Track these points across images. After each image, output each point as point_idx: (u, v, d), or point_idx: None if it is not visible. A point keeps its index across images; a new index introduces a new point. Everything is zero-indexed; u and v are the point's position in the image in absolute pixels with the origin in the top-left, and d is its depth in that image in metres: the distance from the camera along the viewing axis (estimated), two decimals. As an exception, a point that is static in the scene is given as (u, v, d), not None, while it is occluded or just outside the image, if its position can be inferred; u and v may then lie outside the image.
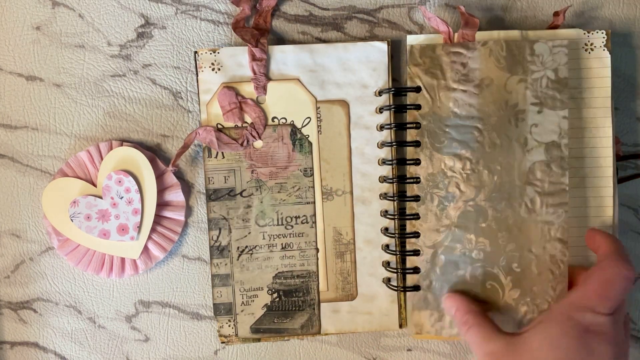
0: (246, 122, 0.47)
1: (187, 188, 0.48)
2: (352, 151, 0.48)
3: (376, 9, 0.48)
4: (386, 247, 0.47)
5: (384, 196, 0.47)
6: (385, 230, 0.47)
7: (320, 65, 0.47)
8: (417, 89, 0.45)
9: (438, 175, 0.45)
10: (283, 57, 0.47)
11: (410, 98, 0.46)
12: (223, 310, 0.48)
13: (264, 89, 0.47)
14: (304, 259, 0.48)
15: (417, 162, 0.45)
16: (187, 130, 0.48)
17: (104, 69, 0.48)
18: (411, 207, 0.46)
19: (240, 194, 0.47)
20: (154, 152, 0.48)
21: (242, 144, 0.47)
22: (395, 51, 0.48)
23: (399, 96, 0.47)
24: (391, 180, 0.47)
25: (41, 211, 0.48)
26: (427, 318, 0.45)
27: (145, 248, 0.47)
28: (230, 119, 0.47)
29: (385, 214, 0.47)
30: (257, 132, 0.47)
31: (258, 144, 0.47)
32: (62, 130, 0.48)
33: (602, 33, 0.46)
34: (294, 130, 0.47)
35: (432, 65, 0.45)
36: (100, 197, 0.46)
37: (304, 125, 0.47)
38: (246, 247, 0.48)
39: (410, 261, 0.46)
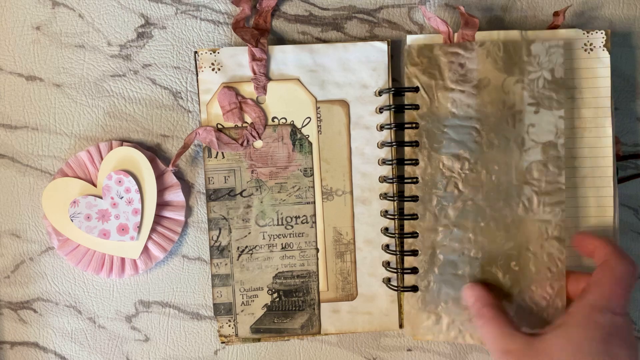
0: (246, 122, 0.47)
1: (187, 188, 0.48)
2: (352, 151, 0.48)
3: (376, 9, 0.49)
4: (386, 247, 0.47)
5: (384, 196, 0.47)
6: (385, 230, 0.47)
7: (320, 65, 0.47)
8: (416, 89, 0.45)
9: (436, 176, 0.45)
10: (283, 57, 0.47)
11: (409, 98, 0.46)
12: (223, 310, 0.48)
13: (264, 89, 0.47)
14: (304, 259, 0.48)
15: (415, 162, 0.45)
16: (187, 130, 0.48)
17: (104, 69, 0.48)
18: (410, 207, 0.46)
19: (240, 194, 0.47)
20: (154, 152, 0.48)
21: (242, 144, 0.47)
22: (395, 51, 0.48)
23: (399, 96, 0.47)
24: (391, 180, 0.47)
25: (41, 211, 0.48)
26: (424, 320, 0.45)
27: (145, 248, 0.47)
28: (230, 119, 0.47)
29: (385, 214, 0.47)
30: (257, 132, 0.47)
31: (258, 144, 0.47)
32: (62, 130, 0.48)
33: (602, 33, 0.46)
34: (294, 130, 0.47)
35: (430, 66, 0.45)
36: (100, 197, 0.46)
37: (304, 125, 0.47)
38: (246, 247, 0.48)
39: (409, 261, 0.46)
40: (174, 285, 0.49)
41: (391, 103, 0.47)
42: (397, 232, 0.47)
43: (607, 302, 0.38)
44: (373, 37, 0.49)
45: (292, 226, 0.48)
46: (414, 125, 0.45)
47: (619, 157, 0.49)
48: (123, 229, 0.46)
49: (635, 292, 0.50)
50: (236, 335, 0.48)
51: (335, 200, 0.48)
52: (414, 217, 0.46)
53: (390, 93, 0.47)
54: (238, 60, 0.47)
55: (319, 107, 0.47)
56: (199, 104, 0.47)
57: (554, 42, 0.44)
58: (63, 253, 0.47)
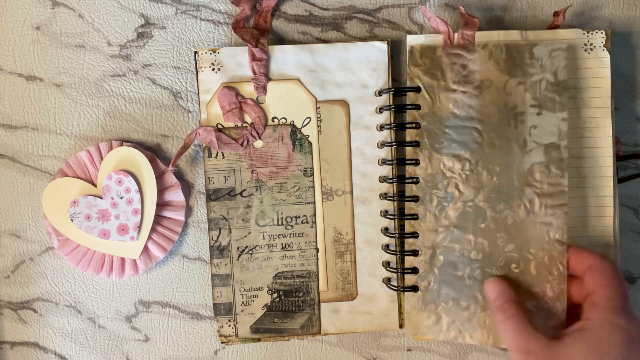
0: (246, 122, 0.47)
1: (187, 188, 0.48)
2: (352, 151, 0.48)
3: (376, 9, 0.49)
4: (386, 247, 0.47)
5: (384, 196, 0.47)
6: (386, 230, 0.47)
7: (320, 65, 0.47)
8: (417, 89, 0.45)
9: (437, 176, 0.45)
10: (283, 57, 0.47)
11: (410, 98, 0.46)
12: (223, 310, 0.48)
13: (264, 89, 0.47)
14: (304, 259, 0.48)
15: (416, 162, 0.45)
16: (187, 130, 0.48)
17: (104, 69, 0.48)
18: (410, 207, 0.46)
19: (240, 194, 0.47)
20: (154, 152, 0.48)
21: (242, 144, 0.47)
22: (395, 51, 0.48)
23: (399, 96, 0.47)
24: (391, 180, 0.47)
25: (41, 211, 0.48)
26: (425, 320, 0.45)
27: (145, 248, 0.47)
28: (230, 119, 0.47)
29: (385, 214, 0.47)
30: (257, 132, 0.47)
31: (258, 144, 0.47)
32: (62, 130, 0.48)
33: (602, 33, 0.46)
34: (294, 130, 0.47)
35: (432, 66, 0.45)
36: (100, 197, 0.46)
37: (304, 125, 0.47)
38: (246, 247, 0.48)
39: (409, 261, 0.46)
40: (174, 285, 0.49)
41: (391, 103, 0.47)
42: (397, 232, 0.47)
43: (620, 303, 0.38)
44: (373, 37, 0.49)
45: (292, 226, 0.48)
46: (415, 125, 0.45)
47: (619, 157, 0.49)
48: (123, 229, 0.46)
49: (635, 292, 0.50)
50: (236, 335, 0.48)
51: (335, 200, 0.48)
52: (414, 217, 0.46)
53: (390, 93, 0.47)
54: (238, 60, 0.47)
55: (319, 107, 0.47)
56: (199, 104, 0.47)
57: (556, 46, 0.44)
58: (63, 253, 0.47)
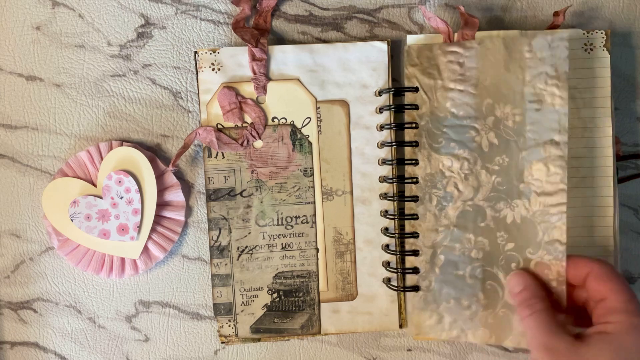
0: (246, 122, 0.47)
1: (187, 188, 0.48)
2: (352, 151, 0.48)
3: (376, 9, 0.49)
4: (386, 247, 0.47)
5: (384, 196, 0.47)
6: (386, 230, 0.47)
7: (320, 65, 0.47)
8: (415, 89, 0.45)
9: (436, 176, 0.45)
10: (283, 57, 0.47)
11: (408, 98, 0.46)
12: (223, 310, 0.48)
13: (264, 89, 0.47)
14: (304, 259, 0.48)
15: (415, 162, 0.45)
16: (187, 130, 0.48)
17: (104, 69, 0.48)
18: (410, 207, 0.46)
19: (240, 194, 0.47)
20: (154, 152, 0.48)
21: (242, 144, 0.47)
22: (395, 51, 0.48)
23: (399, 96, 0.47)
24: (391, 180, 0.47)
25: (41, 211, 0.48)
26: (427, 319, 0.45)
27: (145, 248, 0.47)
28: (230, 119, 0.47)
29: (385, 214, 0.47)
30: (257, 132, 0.47)
31: (258, 144, 0.47)
32: (62, 130, 0.48)
33: (602, 33, 0.46)
34: (294, 130, 0.47)
35: (429, 65, 0.45)
36: (100, 197, 0.46)
37: (304, 125, 0.47)
38: (246, 247, 0.48)
39: (410, 261, 0.46)
40: (174, 285, 0.49)
41: (391, 103, 0.47)
42: (397, 232, 0.47)
43: (636, 306, 0.38)
44: (373, 37, 0.49)
45: (292, 226, 0.48)
46: (413, 125, 0.45)
47: (619, 157, 0.49)
48: (123, 229, 0.46)
49: (635, 292, 0.50)
50: (236, 335, 0.48)
51: (335, 200, 0.48)
52: (414, 217, 0.46)
53: (390, 93, 0.47)
54: (238, 60, 0.47)
55: (319, 107, 0.47)
56: (199, 104, 0.47)
57: (557, 36, 0.43)
58: (63, 253, 0.47)
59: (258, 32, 0.47)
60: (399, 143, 0.46)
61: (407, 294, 0.46)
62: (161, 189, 0.47)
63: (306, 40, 0.48)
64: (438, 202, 0.45)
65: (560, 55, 0.43)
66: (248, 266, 0.48)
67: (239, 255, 0.48)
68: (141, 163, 0.46)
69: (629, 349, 0.37)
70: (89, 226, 0.46)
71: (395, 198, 0.47)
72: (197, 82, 0.47)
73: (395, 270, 0.47)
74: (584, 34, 0.47)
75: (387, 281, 0.48)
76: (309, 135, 0.47)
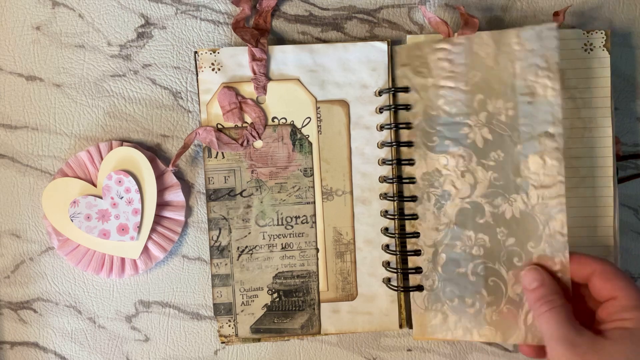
0: (246, 122, 0.47)
1: (187, 188, 0.48)
2: (352, 151, 0.48)
3: (376, 9, 0.49)
4: (386, 247, 0.47)
5: (384, 196, 0.47)
6: (385, 230, 0.47)
7: (320, 65, 0.47)
8: (406, 89, 0.45)
9: (433, 174, 0.45)
10: (283, 57, 0.47)
11: (402, 98, 0.46)
12: (223, 310, 0.48)
13: (264, 89, 0.47)
14: (304, 259, 0.48)
15: (410, 162, 0.45)
16: (187, 130, 0.48)
17: (104, 69, 0.48)
18: (409, 207, 0.46)
19: (240, 194, 0.47)
20: (154, 152, 0.48)
21: (242, 144, 0.47)
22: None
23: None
24: (391, 180, 0.47)
25: (41, 211, 0.48)
26: (432, 319, 0.45)
27: (145, 248, 0.47)
28: (230, 119, 0.47)
29: (385, 214, 0.47)
30: (257, 132, 0.47)
31: (258, 144, 0.47)
32: (62, 130, 0.48)
33: (602, 33, 0.46)
34: (294, 130, 0.47)
35: (419, 64, 0.45)
36: (100, 197, 0.46)
37: (304, 125, 0.47)
38: (246, 247, 0.48)
39: (412, 261, 0.46)
40: (174, 285, 0.49)
41: (391, 103, 0.47)
42: (397, 232, 0.47)
43: None
44: (373, 37, 0.49)
45: (292, 226, 0.48)
46: (407, 125, 0.45)
47: (619, 157, 0.49)
48: (123, 229, 0.46)
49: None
50: (236, 335, 0.48)
51: (335, 200, 0.48)
52: (413, 217, 0.46)
53: (390, 93, 0.47)
54: (238, 60, 0.47)
55: (319, 107, 0.47)
56: (199, 104, 0.47)
57: (546, 26, 0.42)
58: (63, 253, 0.47)
59: (258, 32, 0.47)
60: (399, 143, 0.46)
61: (411, 294, 0.46)
62: (161, 189, 0.47)
63: (306, 40, 0.48)
64: (436, 201, 0.45)
65: (549, 46, 0.42)
66: (248, 266, 0.48)
67: (239, 255, 0.48)
68: (141, 163, 0.46)
69: None
70: (89, 226, 0.46)
71: (395, 198, 0.47)
72: (197, 82, 0.47)
73: (395, 270, 0.47)
74: (584, 34, 0.47)
75: (387, 281, 0.48)
76: (309, 135, 0.47)
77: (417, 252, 0.46)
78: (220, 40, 0.48)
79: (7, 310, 0.48)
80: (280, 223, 0.48)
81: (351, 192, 0.48)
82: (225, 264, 0.48)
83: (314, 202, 0.48)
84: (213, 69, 0.47)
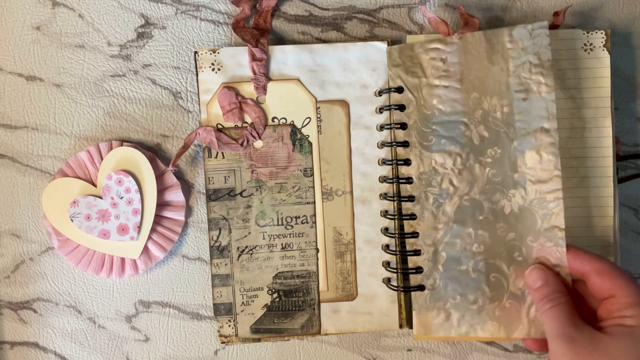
0: (246, 122, 0.47)
1: (187, 188, 0.48)
2: (352, 151, 0.48)
3: (376, 9, 0.49)
4: (386, 247, 0.47)
5: (384, 196, 0.47)
6: (385, 230, 0.47)
7: (320, 65, 0.47)
8: (399, 90, 0.45)
9: (430, 174, 0.45)
10: (283, 57, 0.47)
11: (395, 99, 0.46)
12: (223, 310, 0.48)
13: (264, 89, 0.47)
14: (304, 259, 0.48)
15: (406, 162, 0.45)
16: (187, 130, 0.48)
17: (104, 69, 0.48)
18: (407, 207, 0.46)
19: (240, 194, 0.47)
20: (154, 152, 0.48)
21: (242, 144, 0.47)
22: (395, 51, 0.48)
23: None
24: (391, 180, 0.47)
25: (41, 211, 0.48)
26: (435, 318, 0.45)
27: (145, 248, 0.47)
28: (230, 119, 0.47)
29: (385, 214, 0.47)
30: (257, 132, 0.47)
31: (258, 144, 0.47)
32: (62, 130, 0.48)
33: (602, 33, 0.46)
34: (294, 130, 0.47)
35: (412, 64, 0.45)
36: (100, 197, 0.46)
37: (304, 125, 0.47)
38: (246, 247, 0.48)
39: (413, 261, 0.46)
40: (174, 285, 0.49)
41: (390, 103, 0.47)
42: (397, 232, 0.47)
43: None
44: (373, 37, 0.49)
45: (292, 226, 0.48)
46: (402, 125, 0.46)
47: (619, 157, 0.49)
48: (123, 229, 0.46)
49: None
50: (236, 335, 0.48)
51: (335, 200, 0.48)
52: (412, 217, 0.46)
53: (390, 93, 0.47)
54: (238, 60, 0.47)
55: (319, 107, 0.47)
56: (199, 104, 0.47)
57: (537, 24, 0.43)
58: (63, 253, 0.47)
59: (258, 32, 0.47)
60: (399, 143, 0.46)
61: (413, 294, 0.46)
62: (161, 189, 0.47)
63: (306, 40, 0.48)
64: (435, 200, 0.45)
65: (542, 43, 0.43)
66: (248, 266, 0.48)
67: (239, 255, 0.48)
68: (141, 163, 0.46)
69: None
70: (89, 226, 0.46)
71: (395, 198, 0.47)
72: (197, 82, 0.47)
73: (395, 270, 0.47)
74: (584, 34, 0.47)
75: (387, 281, 0.48)
76: (309, 135, 0.47)
77: (416, 252, 0.46)
78: (220, 40, 0.48)
79: (7, 310, 0.48)
80: (280, 223, 0.48)
81: (351, 192, 0.48)
82: (225, 264, 0.48)
83: (314, 202, 0.48)
84: (213, 69, 0.47)
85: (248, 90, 0.47)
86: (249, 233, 0.48)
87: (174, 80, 0.48)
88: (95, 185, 0.47)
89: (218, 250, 0.47)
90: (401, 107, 0.46)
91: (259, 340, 0.48)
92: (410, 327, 0.47)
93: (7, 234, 0.48)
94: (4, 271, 0.48)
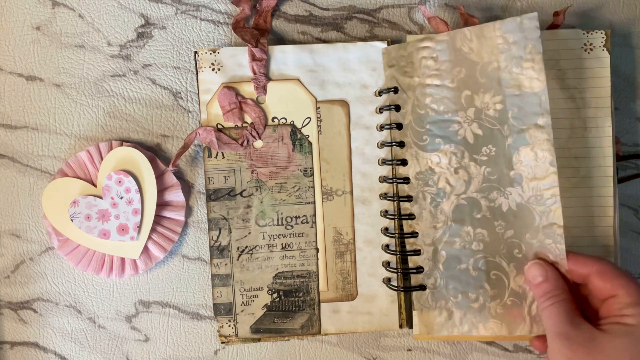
0: (246, 122, 0.47)
1: (187, 188, 0.48)
2: (352, 151, 0.48)
3: (376, 9, 0.49)
4: (386, 247, 0.47)
5: (383, 196, 0.47)
6: (385, 230, 0.47)
7: (320, 65, 0.47)
8: (395, 90, 0.45)
9: (426, 173, 0.45)
10: (283, 57, 0.47)
11: (392, 99, 0.46)
12: (223, 310, 0.48)
13: (264, 89, 0.47)
14: (304, 259, 0.48)
15: (404, 162, 0.46)
16: (187, 130, 0.48)
17: (104, 69, 0.48)
18: (405, 207, 0.46)
19: (240, 194, 0.47)
20: (154, 152, 0.48)
21: (242, 144, 0.47)
22: (395, 51, 0.48)
23: (398, 96, 0.47)
24: (391, 180, 0.47)
25: (41, 211, 0.48)
26: (437, 317, 0.45)
27: (145, 248, 0.47)
28: (230, 119, 0.47)
29: (385, 214, 0.47)
30: (257, 132, 0.47)
31: (258, 144, 0.47)
32: (62, 130, 0.48)
33: (602, 33, 0.46)
34: (294, 130, 0.47)
35: (405, 64, 0.45)
36: (100, 197, 0.46)
37: (304, 125, 0.47)
38: (246, 247, 0.48)
39: (413, 261, 0.46)
40: (174, 285, 0.49)
41: (390, 103, 0.47)
42: (397, 232, 0.47)
43: None
44: (373, 37, 0.49)
45: (292, 226, 0.48)
46: (398, 126, 0.46)
47: (619, 157, 0.49)
48: (123, 229, 0.46)
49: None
50: (236, 335, 0.48)
51: (335, 200, 0.48)
52: (411, 217, 0.46)
53: (390, 93, 0.47)
54: (238, 60, 0.47)
55: (319, 107, 0.47)
56: (199, 104, 0.47)
57: (526, 16, 0.42)
58: (63, 253, 0.47)
59: (258, 32, 0.47)
60: (399, 143, 0.46)
61: (414, 293, 0.46)
62: (161, 189, 0.47)
63: (306, 40, 0.48)
64: (432, 200, 0.45)
65: (531, 37, 0.42)
66: (248, 266, 0.48)
67: (239, 255, 0.48)
68: (141, 163, 0.46)
69: None
70: (89, 226, 0.46)
71: (395, 198, 0.47)
72: (197, 82, 0.47)
73: (395, 270, 0.47)
74: (583, 34, 0.47)
75: (387, 281, 0.48)
76: (309, 135, 0.47)
77: (416, 252, 0.46)
78: (220, 40, 0.48)
79: (7, 310, 0.48)
80: (280, 223, 0.48)
81: (351, 192, 0.48)
82: (225, 264, 0.48)
83: (314, 202, 0.48)
84: (213, 69, 0.47)
85: (248, 90, 0.47)
86: (249, 233, 0.48)
87: (174, 80, 0.48)
88: (95, 185, 0.47)
89: (218, 250, 0.47)
90: (397, 107, 0.46)
91: (259, 340, 0.48)
92: (410, 327, 0.47)
93: (7, 234, 0.48)
94: (4, 271, 0.48)
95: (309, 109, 0.47)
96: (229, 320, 0.48)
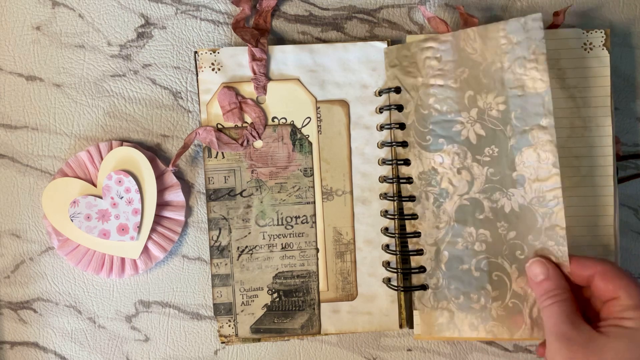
0: (246, 122, 0.47)
1: (187, 188, 0.48)
2: (352, 151, 0.48)
3: (376, 9, 0.49)
4: (386, 247, 0.47)
5: (384, 196, 0.47)
6: (386, 230, 0.47)
7: (320, 65, 0.47)
8: (397, 90, 0.45)
9: (429, 173, 0.45)
10: (283, 57, 0.47)
11: (394, 99, 0.46)
12: (223, 310, 0.48)
13: (264, 89, 0.47)
14: (304, 259, 0.48)
15: (407, 162, 0.45)
16: (187, 130, 0.48)
17: (104, 69, 0.48)
18: (408, 207, 0.46)
19: (240, 194, 0.47)
20: (154, 152, 0.48)
21: (242, 144, 0.47)
22: (395, 51, 0.48)
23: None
24: (391, 180, 0.47)
25: (41, 211, 0.48)
26: (439, 317, 0.45)
27: (145, 248, 0.47)
28: (230, 119, 0.47)
29: (385, 214, 0.47)
30: (257, 132, 0.47)
31: (258, 144, 0.47)
32: (62, 130, 0.48)
33: (601, 33, 0.46)
34: (294, 130, 0.47)
35: (408, 64, 0.45)
36: (100, 197, 0.46)
37: (304, 125, 0.47)
38: (246, 247, 0.48)
39: (415, 261, 0.46)
40: (174, 285, 0.49)
41: (390, 103, 0.47)
42: (397, 232, 0.47)
43: None
44: (373, 37, 0.49)
45: (292, 226, 0.48)
46: (401, 126, 0.46)
47: (619, 157, 0.49)
48: (123, 229, 0.46)
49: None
50: (236, 335, 0.48)
51: (335, 200, 0.48)
52: (413, 217, 0.46)
53: (390, 93, 0.47)
54: (238, 60, 0.47)
55: (319, 107, 0.47)
56: (199, 104, 0.47)
57: (530, 17, 0.42)
58: (63, 253, 0.47)
59: (258, 32, 0.47)
60: (399, 143, 0.46)
61: (415, 293, 0.46)
62: (161, 189, 0.47)
63: (306, 40, 0.48)
64: (435, 200, 0.45)
65: (535, 37, 0.42)
66: (248, 266, 0.48)
67: (239, 255, 0.48)
68: (141, 163, 0.46)
69: None
70: (89, 226, 0.46)
71: (395, 198, 0.47)
72: (197, 82, 0.47)
73: (395, 270, 0.47)
74: (583, 33, 0.47)
75: (387, 281, 0.48)
76: (309, 135, 0.47)
77: (419, 252, 0.46)
78: (220, 40, 0.48)
79: (7, 310, 0.48)
80: (280, 223, 0.48)
81: (351, 192, 0.48)
82: (225, 264, 0.48)
83: (314, 202, 0.48)
84: (213, 69, 0.47)
85: (248, 90, 0.47)
86: (249, 233, 0.48)
87: (174, 80, 0.48)
88: (95, 185, 0.47)
89: (218, 250, 0.47)
90: (399, 107, 0.46)
91: (259, 340, 0.48)
92: (411, 327, 0.47)
93: (7, 234, 0.48)
94: (4, 271, 0.48)
95: (309, 109, 0.47)
96: (229, 320, 0.48)
